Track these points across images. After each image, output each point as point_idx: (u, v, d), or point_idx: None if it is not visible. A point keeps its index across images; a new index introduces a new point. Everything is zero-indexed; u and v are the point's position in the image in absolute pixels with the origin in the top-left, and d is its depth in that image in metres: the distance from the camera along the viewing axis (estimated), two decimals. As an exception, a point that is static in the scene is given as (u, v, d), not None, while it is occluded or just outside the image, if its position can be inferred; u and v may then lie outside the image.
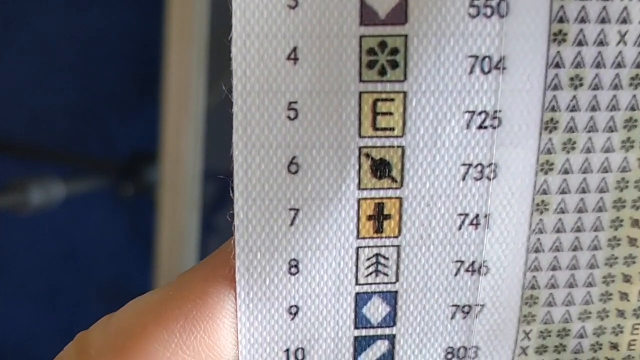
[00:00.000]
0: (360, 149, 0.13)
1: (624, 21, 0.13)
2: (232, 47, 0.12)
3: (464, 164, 0.13)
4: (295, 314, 0.14)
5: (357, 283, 0.14)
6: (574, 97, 0.13)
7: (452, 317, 0.14)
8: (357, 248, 0.13)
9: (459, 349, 0.15)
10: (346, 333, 0.14)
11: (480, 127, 0.13)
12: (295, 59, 0.12)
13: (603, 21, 0.13)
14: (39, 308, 0.74)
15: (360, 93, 0.13)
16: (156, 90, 0.59)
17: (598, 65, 0.13)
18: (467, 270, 0.14)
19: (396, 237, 0.14)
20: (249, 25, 0.12)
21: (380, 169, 0.13)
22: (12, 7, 0.68)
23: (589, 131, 0.13)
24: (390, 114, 0.13)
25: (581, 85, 0.13)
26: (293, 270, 0.13)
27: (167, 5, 0.54)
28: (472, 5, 0.12)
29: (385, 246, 0.14)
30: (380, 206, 0.13)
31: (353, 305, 0.14)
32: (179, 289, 0.13)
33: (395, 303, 0.14)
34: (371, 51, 0.12)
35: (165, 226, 0.61)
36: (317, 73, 0.12)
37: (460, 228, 0.14)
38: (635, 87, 0.13)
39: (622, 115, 0.13)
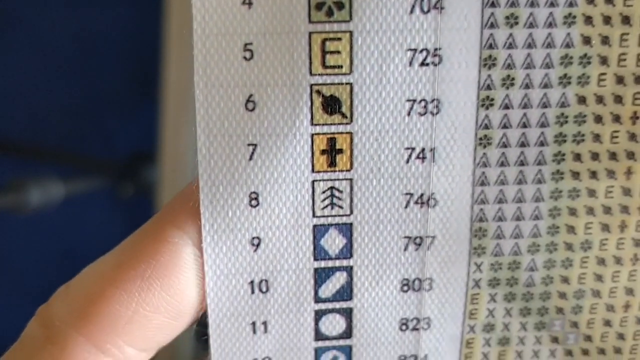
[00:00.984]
0: (311, 86, 0.14)
1: None
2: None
3: (408, 100, 0.14)
4: (258, 245, 0.15)
5: (314, 215, 0.15)
6: (510, 34, 0.14)
7: (405, 249, 0.15)
8: (313, 181, 0.14)
9: (413, 281, 0.15)
10: (306, 265, 0.15)
11: (422, 64, 0.14)
12: (250, 4, 0.13)
13: None
14: (38, 308, 0.75)
15: (310, 33, 0.14)
16: (155, 90, 0.60)
17: (532, 5, 0.14)
18: (416, 203, 0.15)
19: (348, 170, 0.14)
20: None
21: (331, 105, 0.14)
22: (11, 6, 0.69)
23: (527, 68, 0.14)
24: (338, 52, 0.14)
25: (516, 23, 0.14)
26: (253, 202, 0.14)
27: (167, 5, 0.56)
28: None
29: (338, 179, 0.15)
30: (332, 141, 0.14)
31: (312, 237, 0.15)
32: (133, 250, 0.14)
33: (351, 235, 0.15)
34: None
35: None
36: (270, 15, 0.13)
37: (407, 162, 0.14)
38: (569, 25, 0.14)
39: (557, 52, 0.14)
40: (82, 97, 0.71)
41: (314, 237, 0.15)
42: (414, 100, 0.14)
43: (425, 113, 0.14)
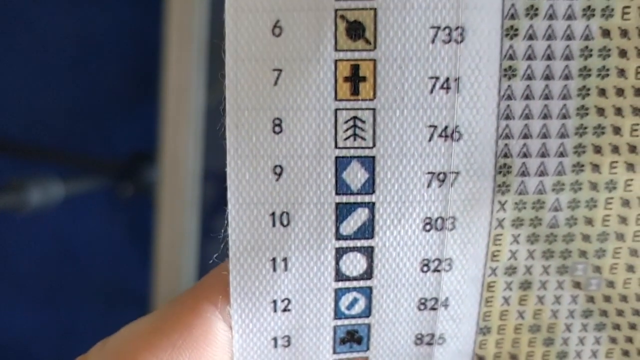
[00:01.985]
0: (336, 11, 0.14)
1: None
2: None
3: (432, 27, 0.14)
4: (280, 174, 0.14)
5: (336, 146, 0.14)
6: None
7: (429, 185, 0.15)
8: (336, 110, 0.14)
9: (436, 220, 0.15)
10: (328, 199, 0.15)
11: None
12: None
13: None
14: (38, 308, 0.74)
15: None
16: (155, 89, 0.60)
17: None
18: (440, 136, 0.15)
19: (371, 99, 0.14)
20: None
21: (355, 30, 0.14)
22: (11, 6, 0.69)
23: None
24: None
25: (541, -49, 0.14)
26: (277, 129, 0.14)
27: (167, 4, 0.56)
28: None
29: (361, 109, 0.14)
30: (355, 68, 0.14)
31: (333, 170, 0.15)
32: (169, 318, 0.15)
33: (374, 169, 0.15)
34: None
35: (164, 226, 0.61)
36: None
37: (432, 92, 0.14)
38: (593, -45, 0.14)
39: None
40: (82, 97, 0.71)
41: (336, 169, 0.15)
42: (438, 27, 0.14)
43: (449, 41, 0.14)
